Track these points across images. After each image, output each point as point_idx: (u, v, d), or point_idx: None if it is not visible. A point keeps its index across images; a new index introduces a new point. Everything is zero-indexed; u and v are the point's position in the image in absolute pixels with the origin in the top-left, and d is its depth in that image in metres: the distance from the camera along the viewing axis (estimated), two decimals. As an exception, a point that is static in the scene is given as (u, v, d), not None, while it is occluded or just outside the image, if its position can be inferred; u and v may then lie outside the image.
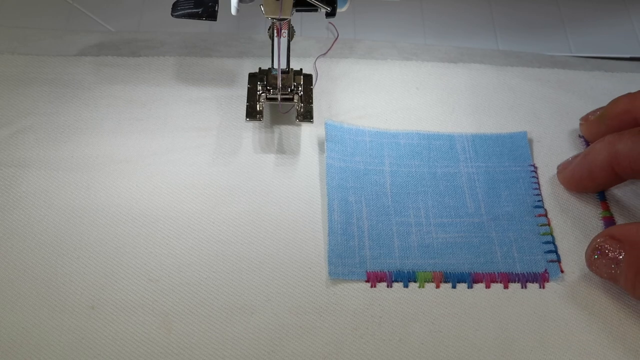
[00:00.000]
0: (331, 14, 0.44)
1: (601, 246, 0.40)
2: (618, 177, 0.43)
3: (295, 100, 0.50)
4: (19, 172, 0.46)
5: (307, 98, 0.50)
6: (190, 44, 0.55)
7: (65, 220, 0.44)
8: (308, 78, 0.51)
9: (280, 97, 0.49)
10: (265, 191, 0.47)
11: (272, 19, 0.43)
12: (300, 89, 0.50)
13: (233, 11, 0.44)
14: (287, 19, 0.43)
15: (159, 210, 0.45)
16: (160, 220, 0.45)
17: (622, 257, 0.39)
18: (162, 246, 0.44)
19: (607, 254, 0.40)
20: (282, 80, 0.48)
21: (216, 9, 0.45)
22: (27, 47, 0.54)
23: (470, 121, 0.52)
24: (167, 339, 0.40)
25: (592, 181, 0.44)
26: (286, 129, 0.51)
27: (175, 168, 0.48)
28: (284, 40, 0.46)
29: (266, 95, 0.49)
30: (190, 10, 0.45)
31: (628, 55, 0.59)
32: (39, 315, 0.40)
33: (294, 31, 0.47)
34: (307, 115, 0.49)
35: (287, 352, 0.40)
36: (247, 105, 0.49)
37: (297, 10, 0.44)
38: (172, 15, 0.45)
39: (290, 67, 0.49)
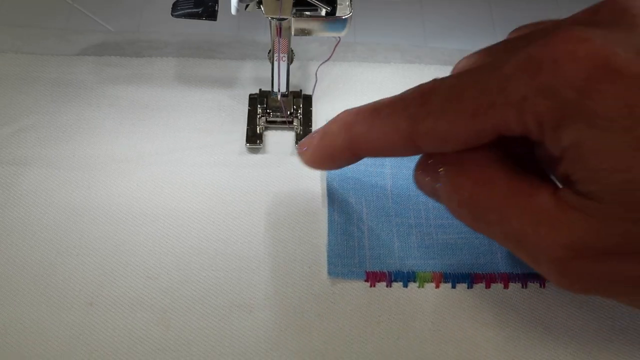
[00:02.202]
0: (331, 14, 0.45)
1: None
2: (358, 158, 0.40)
3: (295, 124, 0.50)
4: (20, 170, 0.47)
5: (307, 121, 0.50)
6: (194, 45, 0.56)
7: (66, 218, 0.45)
8: (307, 100, 0.52)
9: (280, 121, 0.50)
10: (265, 191, 0.47)
11: (272, 18, 0.44)
12: (299, 112, 0.50)
13: (233, 11, 0.44)
14: (287, 18, 0.43)
15: (159, 209, 0.46)
16: (160, 219, 0.45)
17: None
18: (161, 244, 0.44)
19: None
20: (281, 103, 0.50)
21: (216, 8, 0.45)
22: (30, 46, 0.54)
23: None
24: (165, 336, 0.40)
25: (334, 163, 0.41)
26: (287, 131, 0.51)
27: (176, 168, 0.48)
28: (283, 64, 0.47)
29: (266, 119, 0.50)
30: (190, 10, 0.45)
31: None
32: (38, 312, 0.41)
33: (293, 55, 0.48)
34: None
35: (285, 351, 0.40)
36: (247, 129, 0.50)
37: (297, 10, 0.44)
38: (172, 15, 0.45)
39: (290, 90, 0.50)
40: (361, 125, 0.38)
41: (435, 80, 0.36)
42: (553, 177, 0.36)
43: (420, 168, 0.38)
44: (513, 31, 0.41)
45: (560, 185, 0.34)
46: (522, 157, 0.36)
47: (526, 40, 0.35)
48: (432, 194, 0.38)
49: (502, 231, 0.35)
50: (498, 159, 0.35)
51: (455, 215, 0.37)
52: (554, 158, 0.33)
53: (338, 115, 0.39)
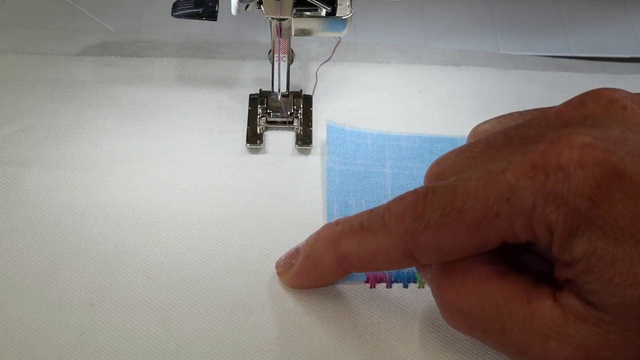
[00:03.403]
0: (331, 14, 0.45)
1: None
2: (349, 273, 0.39)
3: (295, 124, 0.50)
4: (20, 170, 0.47)
5: (307, 121, 0.50)
6: (194, 46, 0.56)
7: (66, 219, 0.45)
8: (307, 100, 0.52)
9: (280, 121, 0.50)
10: (265, 192, 0.47)
11: (272, 18, 0.44)
12: (299, 112, 0.50)
13: (233, 11, 0.44)
14: (287, 18, 0.44)
15: (159, 209, 0.46)
16: (161, 220, 0.45)
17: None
18: (162, 245, 0.44)
19: None
20: (282, 103, 0.50)
21: (216, 9, 0.45)
22: (30, 46, 0.54)
23: (473, 124, 0.51)
24: (165, 336, 0.40)
25: (324, 281, 0.41)
26: (287, 131, 0.51)
27: (177, 168, 0.48)
28: (283, 65, 0.47)
29: (266, 119, 0.50)
30: (190, 10, 0.45)
31: (628, 56, 0.58)
32: (38, 312, 0.40)
33: (293, 55, 0.48)
34: (306, 140, 0.49)
35: (285, 352, 0.40)
36: (247, 129, 0.50)
37: (297, 10, 0.44)
38: (172, 15, 0.46)
39: (290, 90, 0.50)
40: (350, 243, 0.36)
41: (428, 188, 0.34)
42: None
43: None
44: (503, 116, 0.40)
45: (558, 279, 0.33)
46: (508, 250, 0.35)
47: (523, 138, 0.34)
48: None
49: (502, 341, 0.33)
50: (489, 259, 0.34)
51: (448, 321, 0.36)
52: (561, 262, 0.32)
53: (320, 232, 0.38)
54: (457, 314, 0.35)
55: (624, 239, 0.29)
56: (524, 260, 0.36)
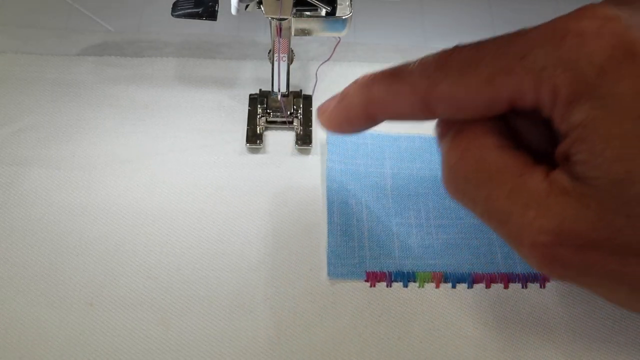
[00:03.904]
0: (331, 14, 0.45)
1: None
2: (375, 121, 0.39)
3: (295, 124, 0.50)
4: (20, 170, 0.47)
5: (307, 121, 0.50)
6: (194, 46, 0.56)
7: (66, 219, 0.45)
8: (307, 100, 0.52)
9: (280, 121, 0.50)
10: (265, 191, 0.47)
11: (272, 18, 0.44)
12: (299, 112, 0.50)
13: (233, 11, 0.44)
14: (287, 18, 0.44)
15: (159, 209, 0.46)
16: (161, 219, 0.45)
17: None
18: (162, 245, 0.44)
19: None
20: (282, 103, 0.50)
21: (216, 8, 0.45)
22: (30, 46, 0.54)
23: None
24: (165, 336, 0.40)
25: (351, 126, 0.40)
26: (287, 131, 0.51)
27: (177, 168, 0.48)
28: (283, 65, 0.47)
29: (266, 119, 0.50)
30: (190, 10, 0.45)
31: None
32: (38, 312, 0.41)
33: (293, 55, 0.48)
34: (306, 140, 0.49)
35: (285, 350, 0.40)
36: (247, 129, 0.50)
37: (297, 10, 0.44)
38: (172, 15, 0.45)
39: (290, 90, 0.50)
40: (379, 87, 0.37)
41: (457, 46, 0.35)
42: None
43: (437, 123, 0.38)
44: None
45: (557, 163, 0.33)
46: (524, 134, 0.36)
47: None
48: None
49: (487, 208, 0.34)
50: (497, 131, 0.35)
51: (446, 186, 0.36)
52: (559, 134, 0.32)
53: (358, 78, 0.39)
54: (454, 179, 0.35)
55: (623, 115, 0.29)
56: (529, 143, 0.36)
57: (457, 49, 0.35)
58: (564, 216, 0.31)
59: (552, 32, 0.31)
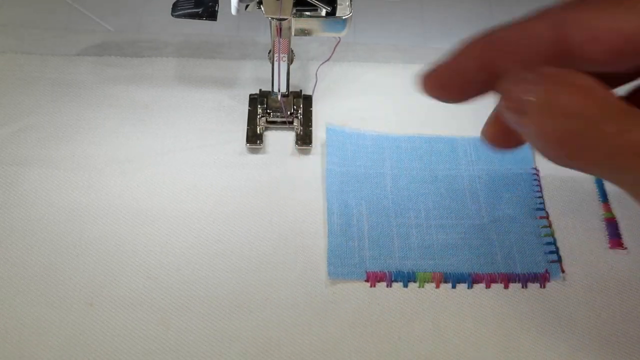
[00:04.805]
0: (331, 14, 0.45)
1: None
2: (490, 76, 0.33)
3: (295, 124, 0.50)
4: (20, 170, 0.47)
5: (307, 121, 0.50)
6: (194, 46, 0.56)
7: (66, 219, 0.45)
8: (307, 100, 0.52)
9: (280, 121, 0.50)
10: (265, 191, 0.47)
11: (272, 18, 0.44)
12: (299, 112, 0.50)
13: (233, 11, 0.44)
14: (287, 18, 0.43)
15: (159, 209, 0.46)
16: (160, 220, 0.45)
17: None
18: (161, 245, 0.44)
19: None
20: (282, 103, 0.50)
21: (216, 9, 0.45)
22: (30, 46, 0.54)
23: (472, 124, 0.51)
24: (165, 336, 0.40)
25: (458, 86, 0.35)
26: (287, 131, 0.51)
27: (177, 168, 0.48)
28: (283, 65, 0.47)
29: (266, 119, 0.50)
30: (190, 10, 0.45)
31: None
32: (38, 312, 0.41)
33: (293, 55, 0.48)
34: (306, 140, 0.49)
35: (285, 350, 0.40)
36: (247, 129, 0.50)
37: (297, 10, 0.44)
38: (172, 15, 0.45)
39: (290, 90, 0.50)
40: (501, 28, 0.32)
41: None
42: None
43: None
44: None
45: None
46: None
47: None
48: (518, 111, 0.32)
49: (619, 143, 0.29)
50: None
51: (557, 142, 0.30)
52: None
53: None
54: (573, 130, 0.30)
55: None
56: None
57: None
58: None
59: None
